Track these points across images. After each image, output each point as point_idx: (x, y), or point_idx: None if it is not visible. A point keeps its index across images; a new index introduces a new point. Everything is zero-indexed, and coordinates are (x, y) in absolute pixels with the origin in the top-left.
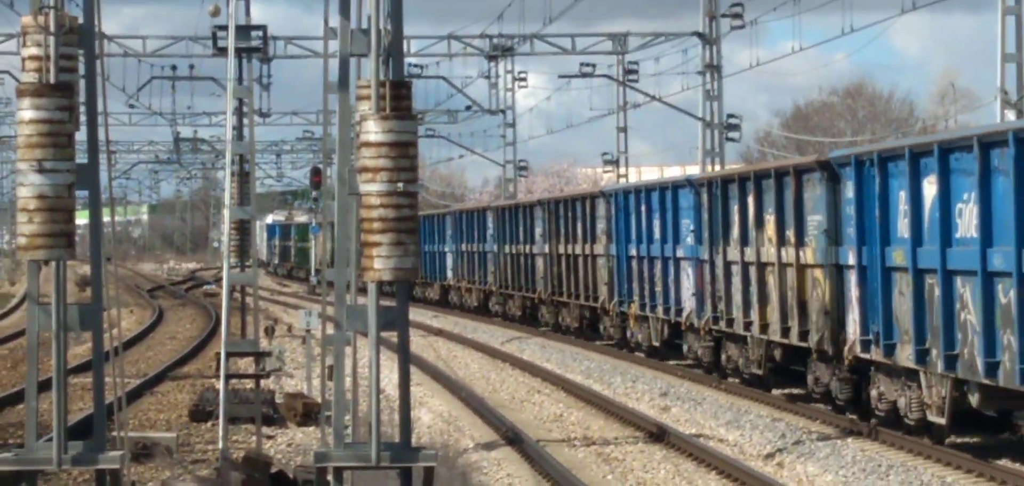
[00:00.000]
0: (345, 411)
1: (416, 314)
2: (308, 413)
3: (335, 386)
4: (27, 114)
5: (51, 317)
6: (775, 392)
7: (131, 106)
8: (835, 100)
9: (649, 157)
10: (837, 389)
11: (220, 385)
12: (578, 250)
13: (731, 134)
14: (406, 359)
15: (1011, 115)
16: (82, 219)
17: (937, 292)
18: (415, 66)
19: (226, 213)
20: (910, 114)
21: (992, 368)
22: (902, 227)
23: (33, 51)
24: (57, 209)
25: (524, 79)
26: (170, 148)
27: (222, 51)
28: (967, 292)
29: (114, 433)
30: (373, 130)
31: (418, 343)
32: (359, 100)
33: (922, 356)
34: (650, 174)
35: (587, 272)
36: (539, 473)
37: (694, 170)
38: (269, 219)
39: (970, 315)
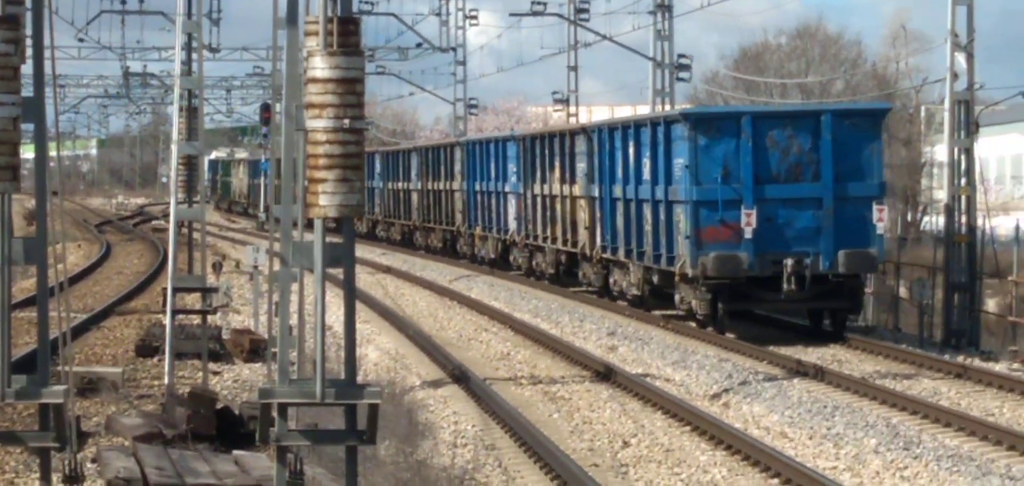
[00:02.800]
0: (290, 348)
1: (365, 252)
2: (255, 349)
3: (280, 323)
4: None
5: None
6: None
7: (80, 40)
8: (784, 41)
9: (600, 96)
10: (593, 279)
11: (167, 321)
12: (442, 186)
13: (681, 74)
14: (352, 296)
15: (961, 58)
16: (29, 153)
17: (634, 213)
18: (365, 3)
19: (174, 148)
20: (859, 55)
21: (657, 258)
22: (619, 173)
23: None
24: (2, 142)
25: (475, 17)
26: (119, 83)
27: None
28: (647, 212)
29: (60, 368)
30: (320, 66)
31: (366, 280)
32: (307, 36)
33: (628, 253)
34: (601, 113)
35: (448, 203)
36: (485, 411)
37: (645, 109)
38: (213, 155)
39: (648, 227)
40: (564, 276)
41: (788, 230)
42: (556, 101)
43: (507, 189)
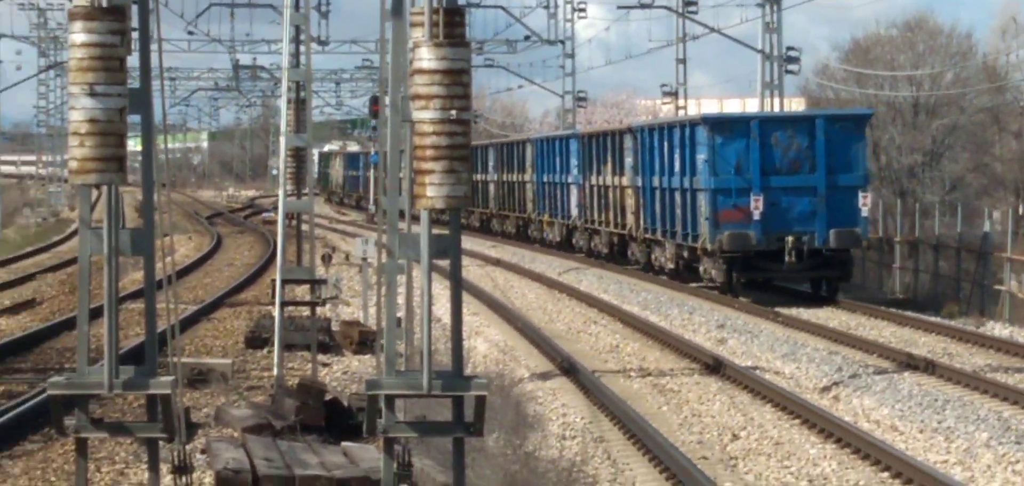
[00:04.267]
0: (398, 340)
1: (472, 244)
2: (364, 341)
3: (387, 314)
4: (78, 37)
5: (103, 241)
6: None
7: (190, 33)
8: (895, 33)
9: (709, 89)
10: (639, 256)
11: (276, 312)
12: (515, 178)
13: (790, 67)
14: (458, 287)
15: None
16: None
17: (668, 200)
18: None
19: (282, 140)
20: (970, 48)
21: (685, 236)
22: (657, 166)
23: None
24: (108, 133)
25: (583, 9)
26: (229, 75)
27: None
28: (678, 199)
29: (169, 358)
30: (426, 57)
31: (475, 273)
32: (413, 27)
33: (664, 233)
34: (710, 106)
35: (520, 193)
36: (594, 403)
37: (754, 102)
38: (326, 148)
39: (679, 211)
40: (617, 255)
41: (789, 213)
42: (665, 94)
43: (570, 181)
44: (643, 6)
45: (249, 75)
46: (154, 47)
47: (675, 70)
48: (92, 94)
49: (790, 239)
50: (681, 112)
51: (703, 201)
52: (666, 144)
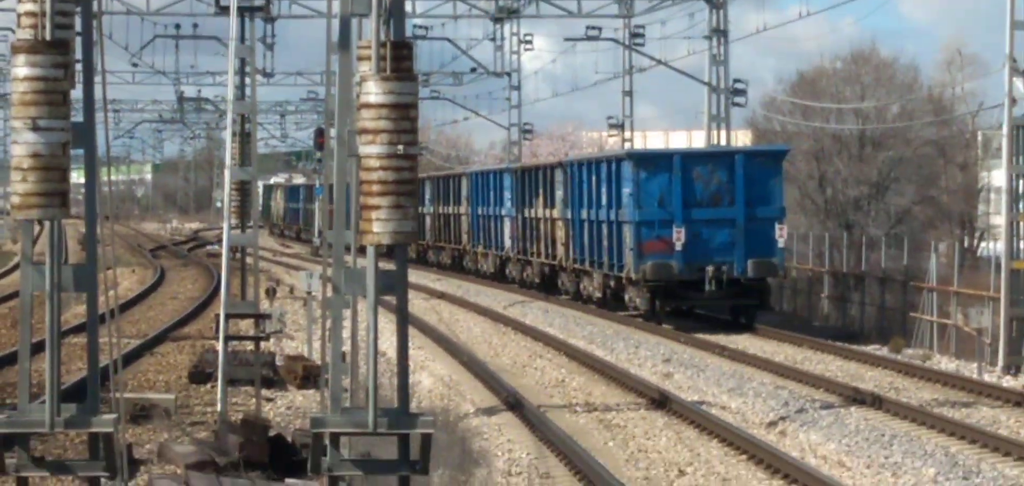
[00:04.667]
0: (343, 375)
1: (418, 278)
2: (308, 376)
3: (332, 350)
4: (21, 71)
5: (45, 277)
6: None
7: (134, 65)
8: (840, 65)
9: (655, 121)
10: (569, 286)
11: (220, 347)
12: (451, 210)
13: (737, 99)
14: (404, 324)
15: (1019, 83)
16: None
17: (595, 231)
18: (420, 27)
19: (227, 173)
20: (915, 80)
21: (612, 266)
22: (585, 199)
23: (28, 7)
24: (51, 167)
25: (530, 42)
26: (174, 107)
27: (225, 9)
28: (605, 230)
29: (112, 395)
30: (373, 91)
31: (420, 306)
32: (360, 61)
33: (592, 263)
34: (656, 139)
35: (456, 225)
36: (540, 439)
37: (701, 134)
38: (272, 180)
39: (605, 242)
40: (547, 285)
41: (710, 244)
42: (611, 126)
43: (503, 213)
44: (590, 38)
45: (194, 107)
46: (98, 79)
47: (621, 102)
48: (35, 128)
49: (710, 269)
50: (627, 144)
51: (628, 233)
52: (594, 178)
